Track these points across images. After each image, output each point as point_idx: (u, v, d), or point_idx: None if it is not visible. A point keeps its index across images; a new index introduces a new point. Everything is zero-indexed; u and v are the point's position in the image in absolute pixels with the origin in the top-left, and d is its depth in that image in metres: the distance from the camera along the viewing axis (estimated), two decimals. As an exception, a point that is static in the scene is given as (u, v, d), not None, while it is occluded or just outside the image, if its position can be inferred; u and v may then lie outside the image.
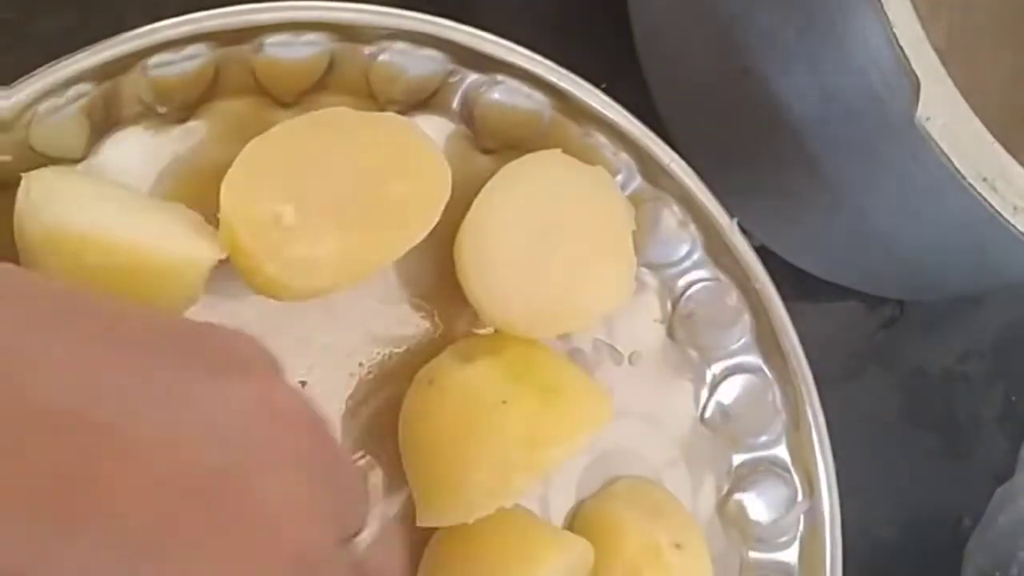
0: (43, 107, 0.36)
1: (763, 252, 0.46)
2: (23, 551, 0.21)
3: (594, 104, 0.42)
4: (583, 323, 0.42)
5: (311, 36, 0.39)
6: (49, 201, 0.34)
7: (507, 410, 0.38)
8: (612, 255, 0.41)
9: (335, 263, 0.37)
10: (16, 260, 0.35)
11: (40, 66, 0.36)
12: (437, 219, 0.38)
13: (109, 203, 0.36)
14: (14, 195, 0.36)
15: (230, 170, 0.36)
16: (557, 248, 0.40)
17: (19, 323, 0.23)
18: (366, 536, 0.28)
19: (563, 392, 0.39)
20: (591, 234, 0.41)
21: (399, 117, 0.40)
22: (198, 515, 0.23)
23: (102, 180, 0.38)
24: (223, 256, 0.36)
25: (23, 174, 0.35)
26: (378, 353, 0.41)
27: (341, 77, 0.40)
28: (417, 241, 0.38)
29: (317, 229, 0.36)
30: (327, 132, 0.38)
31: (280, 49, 0.39)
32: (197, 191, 0.39)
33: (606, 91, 0.42)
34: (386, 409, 0.40)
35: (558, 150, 0.41)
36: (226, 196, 0.36)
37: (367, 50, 0.40)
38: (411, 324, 0.42)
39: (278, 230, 0.36)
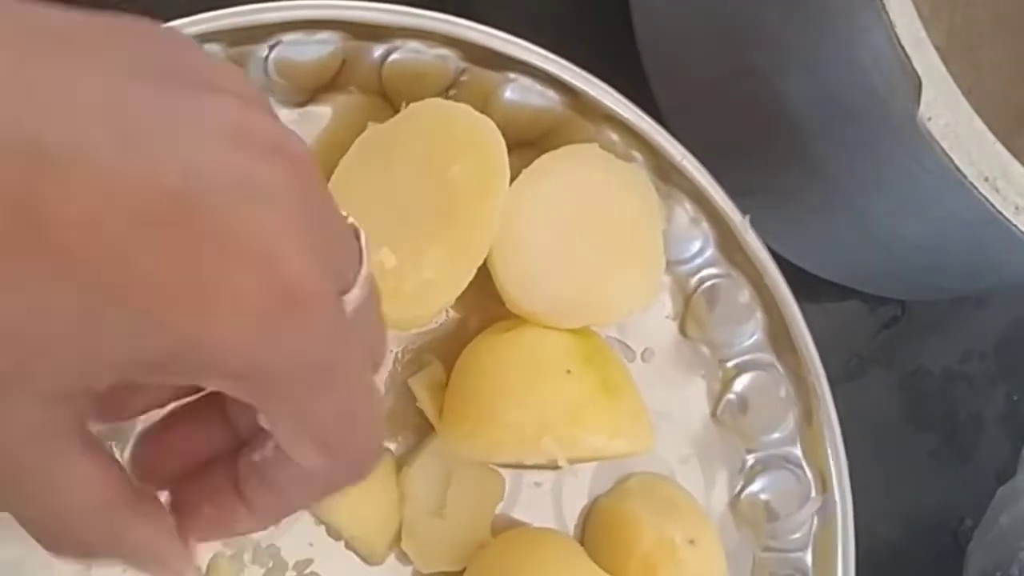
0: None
1: (764, 252, 0.46)
2: None
3: (606, 101, 0.42)
4: (608, 317, 0.42)
5: (324, 35, 0.39)
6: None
7: (569, 380, 0.39)
8: (639, 256, 0.42)
9: (440, 280, 0.38)
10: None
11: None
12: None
13: None
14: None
15: None
16: (586, 242, 0.40)
17: None
18: (355, 297, 0.24)
19: (622, 396, 0.40)
20: (621, 232, 0.41)
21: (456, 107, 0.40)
22: (161, 248, 0.20)
23: None
24: None
25: None
26: (392, 349, 0.41)
27: (354, 75, 0.40)
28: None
29: (413, 258, 0.37)
30: (377, 158, 0.38)
31: (293, 48, 0.39)
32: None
33: (607, 90, 0.42)
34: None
35: (595, 144, 0.41)
36: None
37: (380, 48, 0.40)
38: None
39: (383, 276, 0.35)
